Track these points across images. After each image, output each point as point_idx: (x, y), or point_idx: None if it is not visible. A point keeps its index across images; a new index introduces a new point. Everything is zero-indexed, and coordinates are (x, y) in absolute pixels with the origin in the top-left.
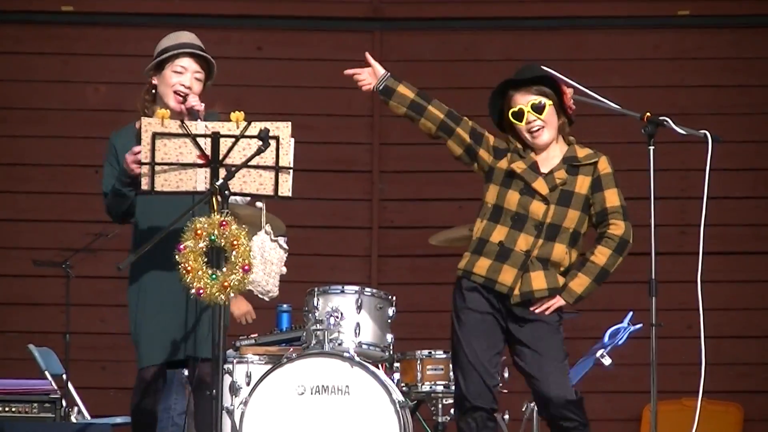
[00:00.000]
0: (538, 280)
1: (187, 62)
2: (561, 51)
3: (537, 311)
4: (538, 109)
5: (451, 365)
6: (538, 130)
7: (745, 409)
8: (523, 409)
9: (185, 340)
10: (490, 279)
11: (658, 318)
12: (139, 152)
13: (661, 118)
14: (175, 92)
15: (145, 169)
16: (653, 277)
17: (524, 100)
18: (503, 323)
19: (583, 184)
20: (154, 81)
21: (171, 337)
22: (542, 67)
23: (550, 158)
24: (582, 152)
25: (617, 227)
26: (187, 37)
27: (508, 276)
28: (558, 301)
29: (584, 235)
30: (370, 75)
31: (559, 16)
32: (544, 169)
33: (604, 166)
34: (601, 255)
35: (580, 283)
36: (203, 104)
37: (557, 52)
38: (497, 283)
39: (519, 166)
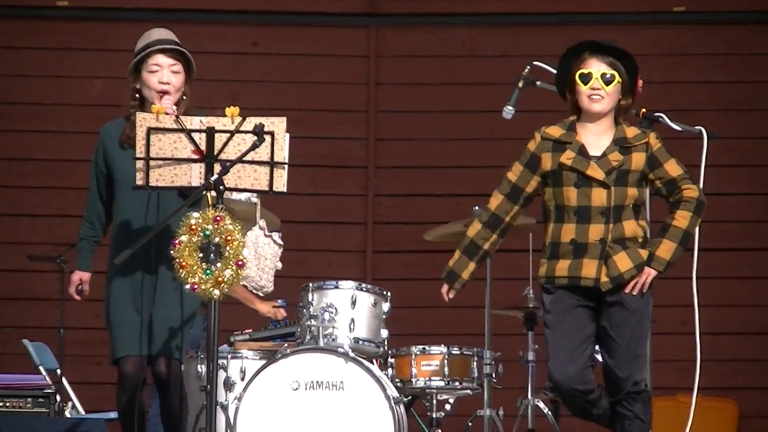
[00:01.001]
0: (623, 262)
1: (160, 59)
2: (557, 47)
3: (634, 292)
4: (607, 80)
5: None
6: (598, 98)
7: (740, 405)
8: (518, 405)
9: (147, 337)
10: (573, 277)
11: (653, 314)
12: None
13: (656, 114)
14: (158, 92)
15: (140, 164)
16: None
17: (597, 67)
18: (594, 315)
19: (638, 161)
20: (138, 86)
21: (138, 331)
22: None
23: (600, 139)
24: (631, 132)
25: (691, 190)
26: (157, 33)
27: (591, 269)
28: (649, 274)
29: (643, 206)
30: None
31: (556, 12)
32: (595, 152)
33: (654, 141)
34: (682, 218)
35: (666, 248)
36: (175, 108)
37: (554, 48)
38: (582, 279)
39: (567, 156)
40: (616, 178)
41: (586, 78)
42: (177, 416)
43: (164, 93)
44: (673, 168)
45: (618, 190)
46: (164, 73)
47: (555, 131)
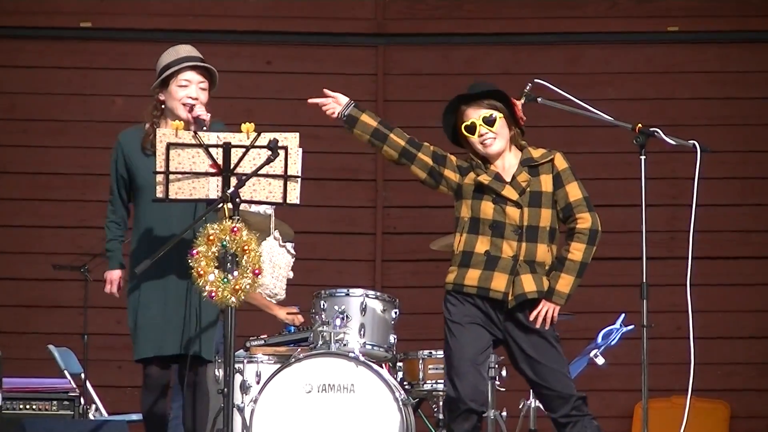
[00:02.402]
0: (528, 283)
1: (190, 75)
2: (557, 65)
3: (546, 326)
4: (489, 122)
5: (444, 372)
6: (490, 141)
7: (732, 406)
8: (520, 407)
9: (179, 337)
10: (483, 288)
11: (649, 319)
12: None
13: (651, 129)
14: (184, 104)
15: (159, 178)
16: (645, 280)
17: (476, 114)
18: (497, 330)
19: (546, 182)
20: (161, 97)
21: (166, 332)
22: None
23: (509, 166)
24: (536, 153)
25: (584, 220)
26: (185, 50)
27: (501, 282)
28: (552, 308)
29: (558, 230)
30: (335, 103)
31: (556, 32)
32: (507, 178)
33: (560, 162)
34: (576, 251)
35: (565, 283)
36: (209, 114)
37: (554, 66)
38: (491, 290)
39: (485, 178)
40: (529, 199)
41: (470, 128)
42: (202, 418)
43: (191, 106)
44: (572, 192)
45: (532, 210)
46: (193, 89)
47: (477, 159)
